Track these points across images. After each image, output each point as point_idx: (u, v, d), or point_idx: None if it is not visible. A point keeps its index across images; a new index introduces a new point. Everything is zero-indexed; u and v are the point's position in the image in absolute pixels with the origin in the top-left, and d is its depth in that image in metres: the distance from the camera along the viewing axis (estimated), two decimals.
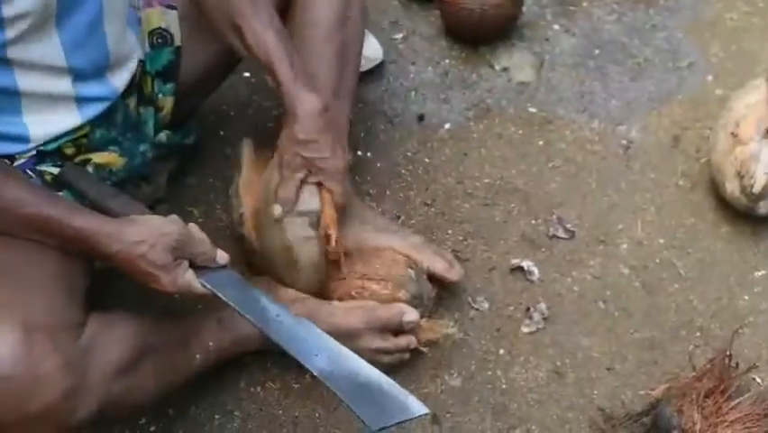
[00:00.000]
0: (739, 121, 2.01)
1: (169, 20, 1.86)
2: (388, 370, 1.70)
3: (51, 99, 1.61)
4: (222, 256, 1.62)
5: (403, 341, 1.79)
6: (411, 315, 1.77)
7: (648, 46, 2.41)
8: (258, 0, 1.71)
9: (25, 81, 1.56)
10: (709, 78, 2.35)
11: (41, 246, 1.53)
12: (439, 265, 1.88)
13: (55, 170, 1.67)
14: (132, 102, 1.78)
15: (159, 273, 1.54)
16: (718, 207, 2.09)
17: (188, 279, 1.57)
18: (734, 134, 2.01)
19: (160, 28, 1.84)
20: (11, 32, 1.48)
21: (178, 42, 1.86)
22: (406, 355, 1.82)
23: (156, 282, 1.54)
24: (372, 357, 1.75)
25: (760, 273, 2.01)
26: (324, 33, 1.82)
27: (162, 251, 1.53)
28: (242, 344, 1.79)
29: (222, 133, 2.20)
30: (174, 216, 1.60)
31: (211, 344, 1.75)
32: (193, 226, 1.61)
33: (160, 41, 1.84)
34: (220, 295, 1.58)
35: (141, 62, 1.80)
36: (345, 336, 1.70)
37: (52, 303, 1.49)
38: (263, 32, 1.69)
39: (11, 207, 1.49)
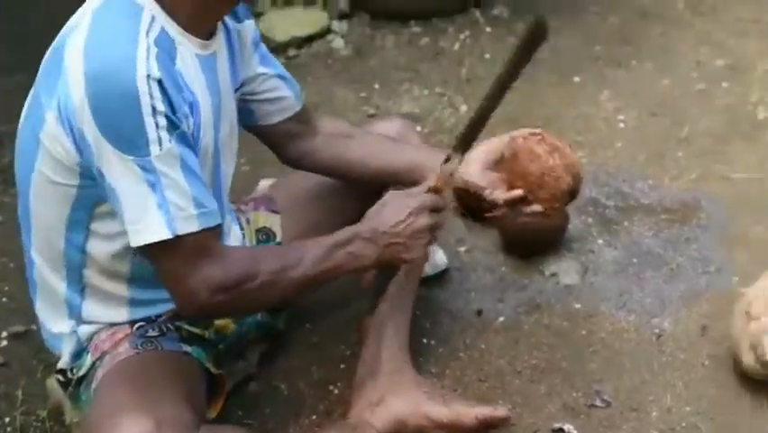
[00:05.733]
0: (752, 301, 2.30)
1: (273, 221, 2.30)
2: None
3: None
4: None
5: None
6: None
7: (682, 255, 2.75)
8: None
9: None
10: (735, 279, 2.65)
11: (176, 364, 1.95)
12: (485, 411, 2.18)
13: (189, 328, 2.05)
14: None
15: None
16: (740, 381, 2.35)
17: None
18: (747, 313, 2.29)
19: (264, 227, 2.29)
20: None
21: (278, 239, 2.29)
22: None
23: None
24: None
25: None
26: None
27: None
28: None
29: (307, 325, 2.55)
30: None
31: None
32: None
33: (264, 236, 2.28)
34: None
35: None
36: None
37: (178, 408, 1.83)
38: None
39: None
